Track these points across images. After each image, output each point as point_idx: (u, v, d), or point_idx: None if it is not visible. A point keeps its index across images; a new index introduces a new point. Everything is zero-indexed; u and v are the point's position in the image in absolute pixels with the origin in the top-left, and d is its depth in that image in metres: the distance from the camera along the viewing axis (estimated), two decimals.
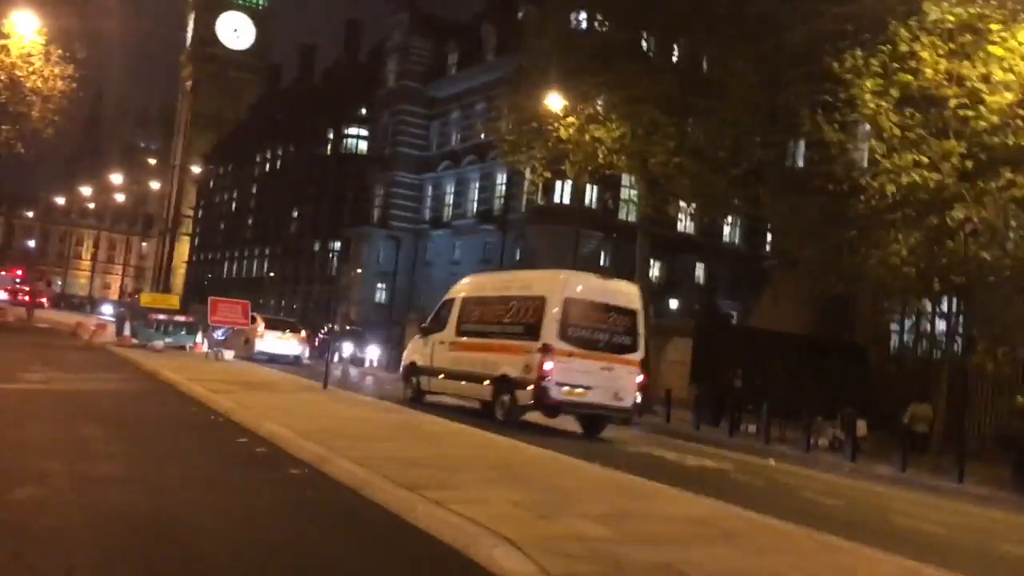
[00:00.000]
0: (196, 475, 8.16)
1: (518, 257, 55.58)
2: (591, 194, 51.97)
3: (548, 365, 15.50)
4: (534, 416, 16.66)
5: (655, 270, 55.86)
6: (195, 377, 16.97)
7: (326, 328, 35.50)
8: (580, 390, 15.76)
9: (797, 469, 16.25)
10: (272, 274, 77.42)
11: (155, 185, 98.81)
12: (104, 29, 29.77)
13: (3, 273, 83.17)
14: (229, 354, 22.79)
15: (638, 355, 16.63)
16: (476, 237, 58.68)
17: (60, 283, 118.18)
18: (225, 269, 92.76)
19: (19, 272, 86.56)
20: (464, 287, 19.64)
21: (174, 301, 26.94)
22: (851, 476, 16.55)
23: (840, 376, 26.42)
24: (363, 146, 74.07)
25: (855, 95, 20.13)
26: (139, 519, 6.10)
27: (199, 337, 26.41)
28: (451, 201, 62.57)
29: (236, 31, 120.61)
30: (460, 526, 6.20)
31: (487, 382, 16.68)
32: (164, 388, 16.20)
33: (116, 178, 79.30)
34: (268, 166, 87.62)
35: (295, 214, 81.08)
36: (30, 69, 28.37)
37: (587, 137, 27.65)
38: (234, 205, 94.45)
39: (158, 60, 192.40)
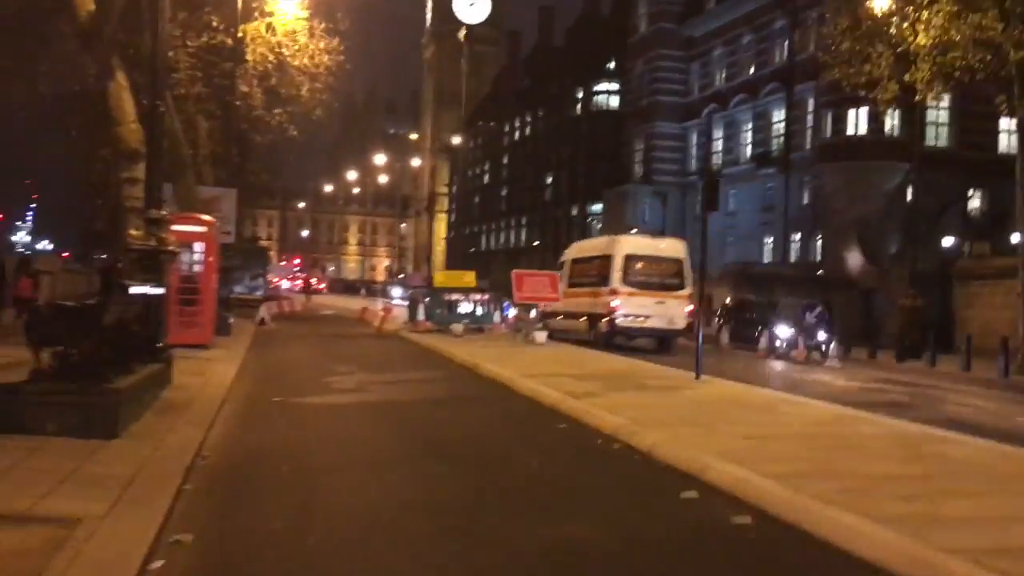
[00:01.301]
0: None
1: (806, 200, 49.20)
2: (891, 120, 44.66)
3: (615, 302, 21.49)
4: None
5: (975, 200, 47.64)
6: (526, 371, 13.37)
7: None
8: (641, 319, 21.41)
9: None
10: (537, 243, 74.63)
11: (415, 162, 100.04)
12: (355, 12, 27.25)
13: (283, 263, 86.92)
14: (541, 335, 19.29)
15: (686, 291, 22.45)
16: (753, 184, 52.71)
17: (332, 268, 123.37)
18: (483, 242, 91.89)
19: (297, 261, 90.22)
20: (570, 252, 25.92)
21: (470, 279, 23.87)
22: None
23: None
24: (614, 102, 69.64)
25: None
26: None
27: (497, 316, 23.23)
28: (720, 147, 56.84)
29: (472, 4, 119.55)
30: None
31: (583, 318, 22.69)
32: (497, 391, 12.60)
33: (379, 159, 79.84)
34: (518, 134, 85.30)
35: (549, 180, 78.17)
36: (295, 47, 26.23)
37: (951, 34, 21.55)
38: (487, 178, 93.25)
39: (397, 48, 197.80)
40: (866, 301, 42.83)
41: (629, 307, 21.41)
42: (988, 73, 22.75)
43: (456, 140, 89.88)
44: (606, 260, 22.17)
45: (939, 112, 46.71)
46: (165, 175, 26.40)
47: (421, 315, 22.74)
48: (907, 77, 23.11)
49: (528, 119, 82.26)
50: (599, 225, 68.53)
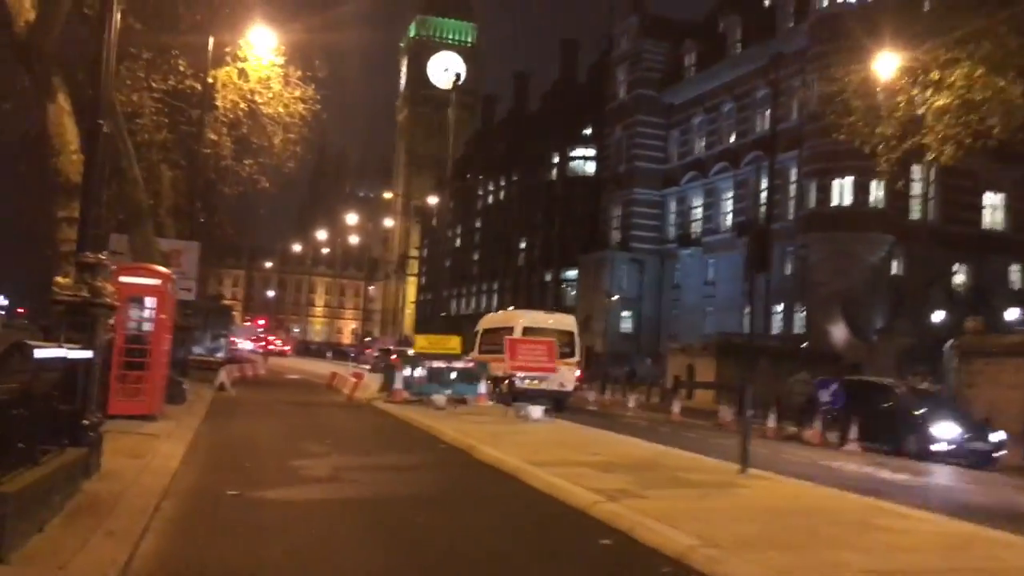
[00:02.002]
0: None
1: (789, 271, 47.76)
2: (876, 192, 43.57)
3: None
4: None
5: (959, 275, 46.46)
6: (534, 457, 11.16)
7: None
8: (536, 381, 22.24)
9: None
10: (512, 308, 72.40)
11: (387, 223, 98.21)
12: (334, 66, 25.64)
13: (248, 324, 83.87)
14: (537, 411, 17.08)
15: (575, 359, 25.85)
16: (733, 253, 51.25)
17: (297, 330, 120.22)
18: (454, 306, 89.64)
19: (261, 322, 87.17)
20: (482, 324, 29.91)
21: (455, 344, 21.54)
22: None
23: None
24: (590, 168, 68.55)
25: None
26: None
27: (483, 387, 21.00)
28: (700, 215, 55.57)
29: (447, 70, 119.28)
30: None
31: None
32: (505, 484, 10.24)
33: (350, 219, 77.78)
34: (491, 198, 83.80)
35: (523, 245, 76.52)
36: (269, 95, 24.27)
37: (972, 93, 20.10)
38: (458, 241, 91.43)
39: (370, 113, 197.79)
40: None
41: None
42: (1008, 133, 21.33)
43: (432, 200, 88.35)
44: (508, 331, 24.64)
45: (923, 185, 45.79)
46: (120, 225, 24.15)
47: (399, 383, 20.45)
48: (923, 139, 21.53)
49: (503, 183, 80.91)
50: (573, 291, 66.79)
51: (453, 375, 20.25)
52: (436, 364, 19.77)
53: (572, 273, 68.02)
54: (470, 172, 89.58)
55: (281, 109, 24.26)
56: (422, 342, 20.12)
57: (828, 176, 44.02)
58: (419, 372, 20.29)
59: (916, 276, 44.30)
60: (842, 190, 43.90)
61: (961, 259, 45.20)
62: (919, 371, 24.92)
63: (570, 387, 25.21)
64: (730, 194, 52.67)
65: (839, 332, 43.71)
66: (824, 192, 44.20)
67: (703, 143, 55.54)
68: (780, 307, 48.09)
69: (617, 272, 58.21)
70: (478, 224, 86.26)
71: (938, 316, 40.14)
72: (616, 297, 56.44)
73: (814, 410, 20.28)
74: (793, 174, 47.59)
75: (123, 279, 12.49)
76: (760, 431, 24.32)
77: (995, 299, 44.28)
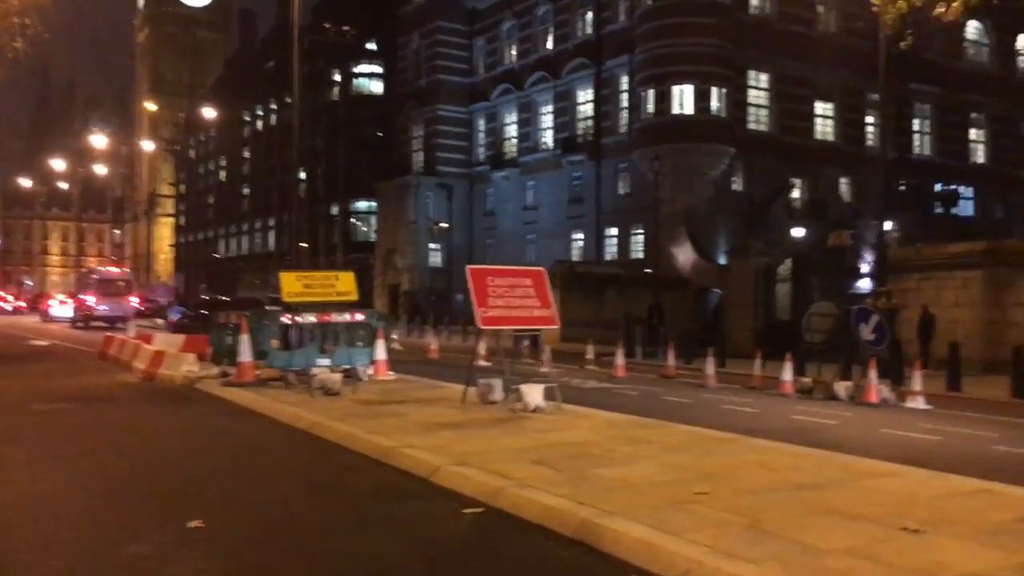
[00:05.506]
0: None
1: (624, 190, 42.49)
2: (716, 101, 38.96)
3: None
4: None
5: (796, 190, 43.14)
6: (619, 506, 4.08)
7: None
8: None
9: None
10: (305, 244, 62.18)
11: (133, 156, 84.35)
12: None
13: None
14: (536, 395, 9.62)
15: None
16: (558, 173, 45.38)
17: (30, 283, 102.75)
18: (224, 248, 78.24)
19: None
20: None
21: (347, 284, 12.93)
22: None
23: None
24: (377, 87, 60.09)
25: None
26: None
27: (380, 350, 13.21)
28: (515, 133, 49.03)
29: None
30: None
31: None
32: None
33: (84, 154, 64.48)
34: (260, 124, 72.82)
35: (303, 175, 66.70)
36: None
37: None
38: (223, 175, 79.63)
39: (103, 38, 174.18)
40: (700, 301, 36.77)
41: None
42: None
43: (185, 130, 76.13)
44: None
45: (759, 93, 41.85)
46: None
47: (245, 352, 12.26)
48: None
49: (273, 107, 70.16)
50: (364, 227, 58.63)
51: (335, 335, 12.38)
52: (308, 319, 11.82)
53: (364, 204, 59.72)
54: (232, 97, 77.59)
55: None
56: (293, 284, 11.91)
57: (666, 83, 38.82)
58: (291, 334, 12.19)
59: (757, 191, 40.41)
60: (682, 98, 38.89)
61: (798, 172, 41.83)
62: (881, 291, 19.84)
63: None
64: (550, 108, 46.44)
65: (685, 254, 39.09)
66: (663, 101, 38.97)
67: (515, 52, 48.76)
68: (614, 231, 42.88)
69: (422, 200, 50.72)
70: (246, 154, 75.03)
71: (799, 232, 36.30)
72: (435, 226, 48.90)
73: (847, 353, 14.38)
74: (624, 83, 42.07)
75: None
76: (661, 369, 18.90)
77: (830, 212, 41.38)
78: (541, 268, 10.86)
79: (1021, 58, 48.34)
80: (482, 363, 15.58)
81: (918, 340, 20.18)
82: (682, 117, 38.79)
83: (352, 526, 5.71)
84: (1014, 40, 48.21)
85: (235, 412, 10.75)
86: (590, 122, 44.07)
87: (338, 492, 6.73)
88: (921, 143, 46.16)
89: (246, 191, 74.43)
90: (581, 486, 6.15)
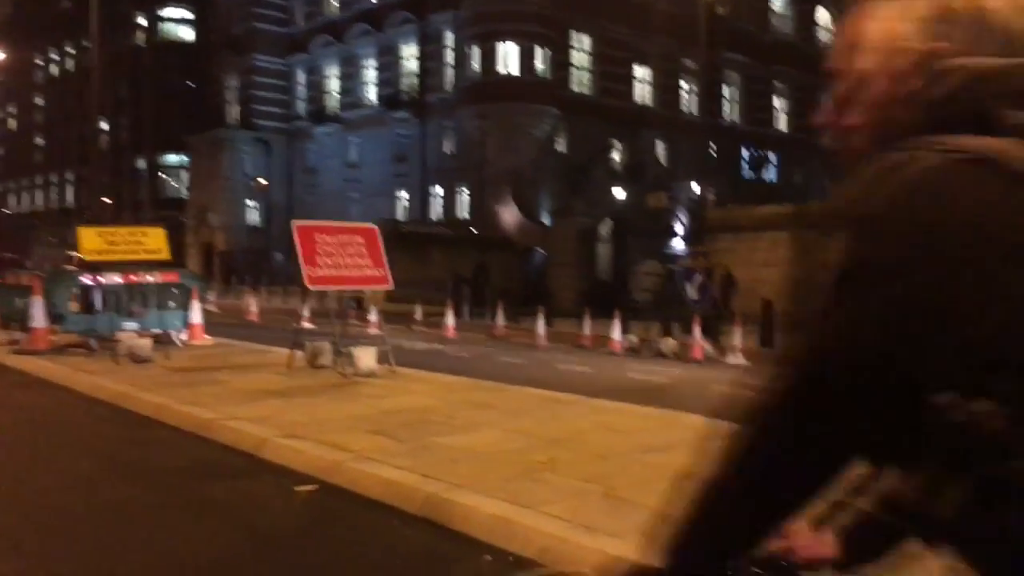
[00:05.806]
0: None
1: (449, 149, 42.04)
2: (540, 62, 39.10)
3: None
4: None
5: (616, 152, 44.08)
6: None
7: None
8: None
9: None
10: (108, 200, 57.64)
11: None
12: None
13: None
14: (367, 359, 9.00)
15: None
16: (382, 130, 44.25)
17: None
18: (14, 203, 71.72)
19: None
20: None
21: (157, 242, 11.58)
22: None
23: None
24: (186, 33, 56.41)
25: None
26: None
27: (196, 312, 12.13)
28: (336, 87, 47.36)
29: None
30: None
31: None
32: None
33: None
34: (56, 70, 66.88)
35: (104, 125, 61.80)
36: None
37: None
38: (12, 123, 72.76)
39: None
40: (525, 261, 37.16)
41: None
42: None
43: None
44: None
45: (581, 56, 42.33)
46: None
47: (38, 316, 10.89)
48: None
49: (70, 51, 64.50)
50: (175, 182, 55.25)
51: (144, 296, 11.26)
52: (114, 279, 10.64)
53: (174, 158, 56.17)
54: (22, 37, 70.55)
55: None
56: (94, 241, 10.52)
57: (492, 40, 38.55)
58: (93, 296, 10.92)
59: (579, 153, 41.04)
60: (507, 57, 38.75)
61: (617, 135, 42.75)
62: (697, 252, 20.53)
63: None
64: (373, 62, 45.14)
65: (510, 214, 39.23)
66: (488, 59, 38.70)
67: (336, 2, 46.94)
68: (440, 190, 42.42)
69: (238, 154, 48.29)
70: (39, 102, 68.78)
71: (619, 194, 37.17)
72: (252, 183, 46.66)
73: (671, 310, 14.69)
74: (449, 38, 41.42)
75: None
76: (489, 330, 18.98)
77: (648, 174, 42.69)
78: (374, 226, 10.25)
79: (820, 29, 51.33)
80: (307, 325, 14.80)
81: (720, 299, 21.00)
82: (507, 77, 38.67)
83: (166, 511, 5.04)
84: (814, 11, 51.14)
85: (27, 383, 9.56)
86: (415, 78, 43.19)
87: (149, 473, 5.98)
88: (731, 110, 48.27)
89: (40, 141, 68.34)
90: (424, 457, 5.73)
